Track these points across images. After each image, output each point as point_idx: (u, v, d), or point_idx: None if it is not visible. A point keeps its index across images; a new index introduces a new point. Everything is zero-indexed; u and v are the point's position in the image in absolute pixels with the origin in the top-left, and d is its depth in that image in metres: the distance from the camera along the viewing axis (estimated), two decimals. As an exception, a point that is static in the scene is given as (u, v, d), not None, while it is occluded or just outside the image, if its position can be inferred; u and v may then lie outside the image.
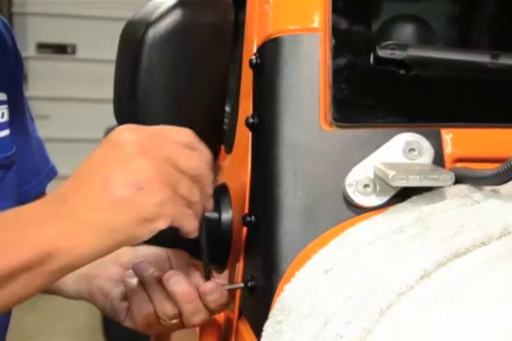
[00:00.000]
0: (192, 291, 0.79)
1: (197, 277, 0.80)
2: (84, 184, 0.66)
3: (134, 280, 0.83)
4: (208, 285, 0.79)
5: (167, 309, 0.79)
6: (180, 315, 0.80)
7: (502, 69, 0.83)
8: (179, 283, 0.79)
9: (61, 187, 0.67)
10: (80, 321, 3.24)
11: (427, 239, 0.68)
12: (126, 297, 0.84)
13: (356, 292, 0.64)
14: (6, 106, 0.91)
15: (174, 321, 0.80)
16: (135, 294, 0.82)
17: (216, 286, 0.79)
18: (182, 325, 0.82)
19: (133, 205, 0.65)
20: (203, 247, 0.79)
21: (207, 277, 0.80)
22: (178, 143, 0.69)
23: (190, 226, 0.70)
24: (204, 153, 0.71)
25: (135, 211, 0.65)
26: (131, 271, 0.84)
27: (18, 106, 0.96)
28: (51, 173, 1.05)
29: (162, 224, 0.66)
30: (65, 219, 0.64)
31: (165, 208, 0.66)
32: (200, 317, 0.80)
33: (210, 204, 0.73)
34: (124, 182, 0.65)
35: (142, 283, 0.82)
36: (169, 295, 0.79)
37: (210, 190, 0.72)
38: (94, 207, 0.64)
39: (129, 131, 0.68)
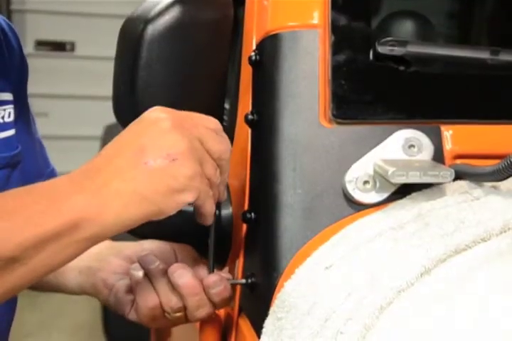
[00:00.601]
0: (197, 285, 0.79)
1: (202, 270, 0.81)
2: (118, 155, 0.67)
3: (140, 273, 0.83)
4: (212, 278, 0.79)
5: (172, 301, 0.80)
6: (184, 308, 0.80)
7: (502, 65, 0.83)
8: (184, 276, 0.79)
9: (93, 160, 0.68)
10: (80, 318, 3.24)
11: (426, 236, 0.68)
12: (131, 290, 0.85)
13: (356, 289, 0.64)
14: (12, 105, 0.92)
15: (178, 314, 0.81)
16: (140, 287, 0.82)
17: (220, 279, 0.80)
18: (186, 319, 0.82)
19: (165, 176, 0.66)
20: (212, 238, 0.80)
21: (212, 269, 0.80)
22: (207, 127, 0.71)
23: (210, 207, 0.72)
24: (228, 140, 0.74)
25: (166, 181, 0.66)
26: (136, 264, 0.84)
27: (23, 107, 0.97)
28: (52, 176, 1.05)
29: (189, 197, 0.68)
30: (96, 189, 0.65)
31: (194, 181, 0.68)
32: (205, 310, 0.80)
33: (225, 193, 0.76)
34: (158, 153, 0.66)
35: (148, 276, 0.82)
36: (175, 288, 0.80)
37: (227, 178, 0.75)
38: (127, 177, 0.66)
39: (162, 111, 0.70)
